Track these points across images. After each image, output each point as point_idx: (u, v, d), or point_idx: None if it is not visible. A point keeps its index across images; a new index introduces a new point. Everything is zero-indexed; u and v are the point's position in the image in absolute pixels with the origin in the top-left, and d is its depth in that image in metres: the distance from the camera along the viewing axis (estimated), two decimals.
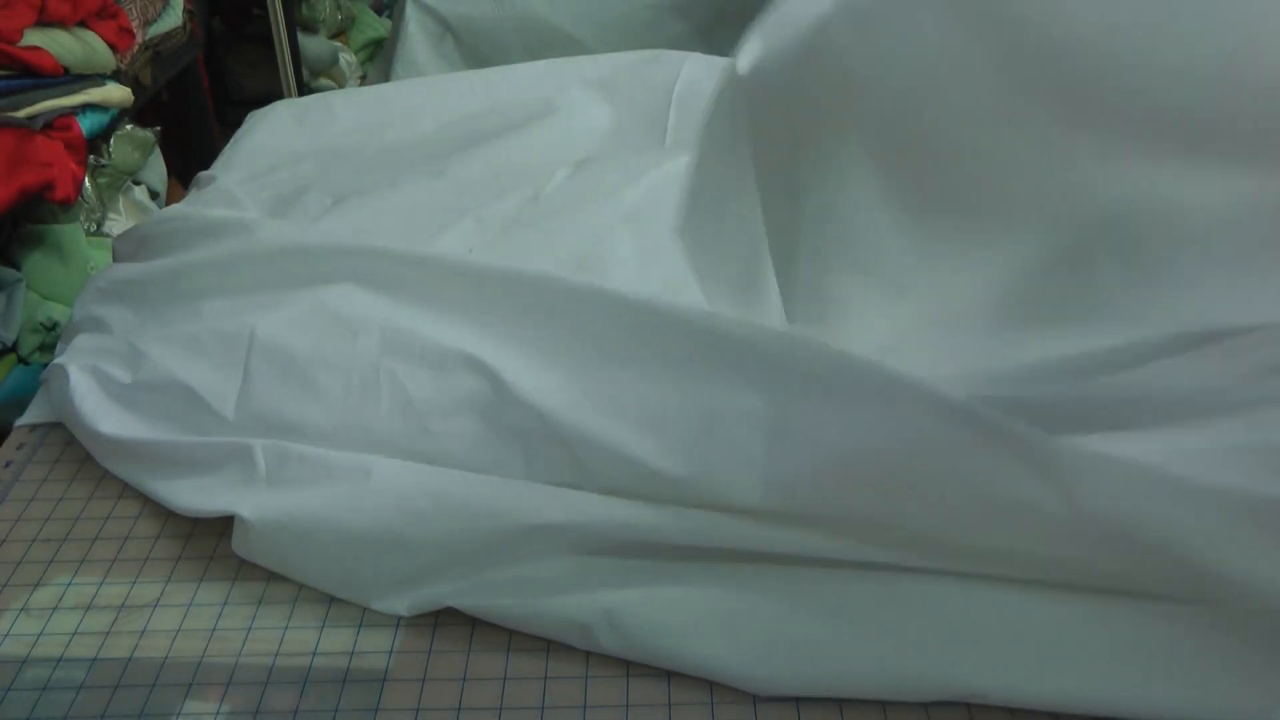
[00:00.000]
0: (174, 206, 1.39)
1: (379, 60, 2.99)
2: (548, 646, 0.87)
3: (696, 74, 1.70)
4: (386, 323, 1.04)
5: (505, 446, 0.93)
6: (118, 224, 1.91)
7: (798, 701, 0.81)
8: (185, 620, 0.91)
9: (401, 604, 0.89)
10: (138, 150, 2.01)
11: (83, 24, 1.80)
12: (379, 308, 1.06)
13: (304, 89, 2.67)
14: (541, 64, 1.84)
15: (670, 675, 0.84)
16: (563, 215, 1.24)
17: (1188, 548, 0.69)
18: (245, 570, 0.96)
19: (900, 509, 0.78)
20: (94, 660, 0.88)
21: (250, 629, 0.90)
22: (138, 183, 2.05)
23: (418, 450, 0.95)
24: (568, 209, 1.26)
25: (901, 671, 0.80)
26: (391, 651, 0.87)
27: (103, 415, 1.08)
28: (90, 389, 1.11)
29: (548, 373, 0.94)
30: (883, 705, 0.81)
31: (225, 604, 0.93)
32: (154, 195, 2.09)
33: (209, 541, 0.99)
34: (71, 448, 1.12)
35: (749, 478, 0.82)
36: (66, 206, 1.74)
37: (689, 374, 0.87)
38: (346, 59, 2.99)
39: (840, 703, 0.81)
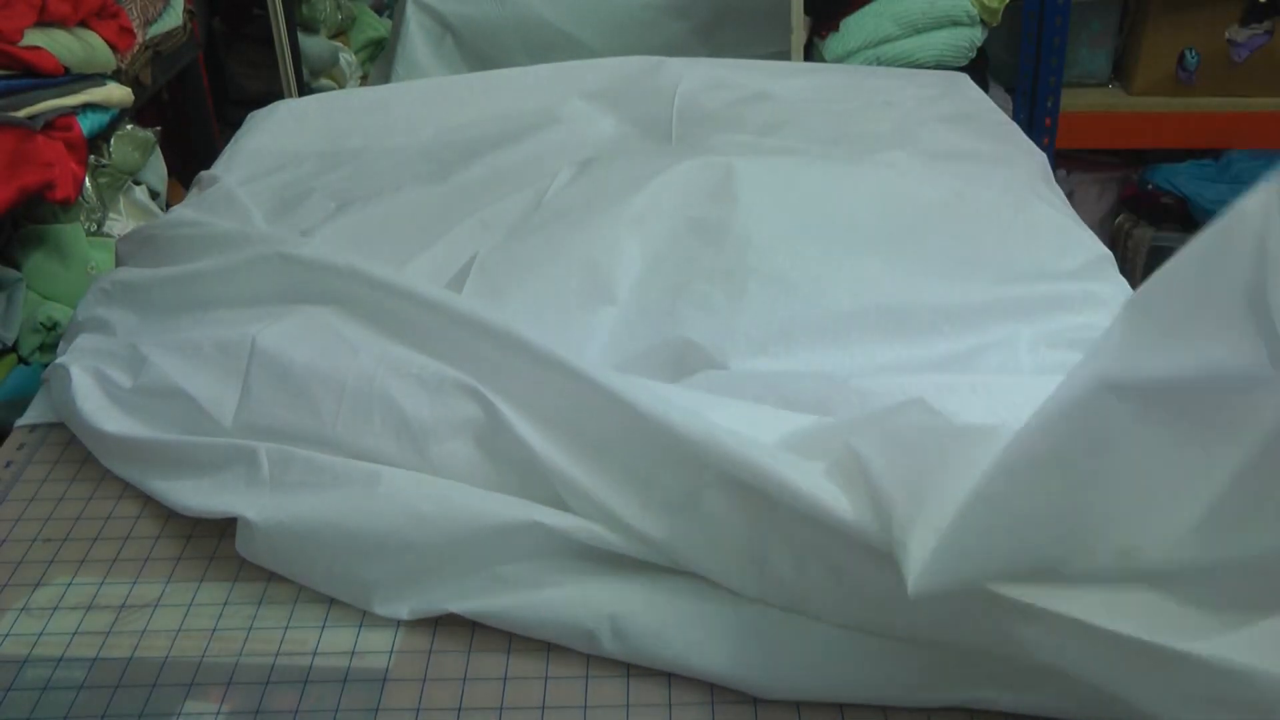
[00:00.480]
0: (180, 210, 1.38)
1: (379, 60, 2.99)
2: (548, 647, 0.87)
3: (697, 83, 1.70)
4: (386, 342, 1.03)
5: (501, 474, 0.93)
6: (118, 224, 1.91)
7: (798, 703, 0.81)
8: (186, 620, 0.91)
9: (403, 608, 0.89)
10: (138, 150, 2.01)
11: (83, 24, 1.81)
12: (378, 329, 1.05)
13: (304, 89, 2.66)
14: (543, 69, 1.84)
15: (671, 675, 0.84)
16: (569, 219, 1.24)
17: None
18: (246, 570, 0.96)
19: (875, 619, 0.81)
20: (94, 660, 0.88)
21: (251, 629, 0.90)
22: (138, 183, 2.05)
23: (413, 468, 0.95)
24: (574, 213, 1.26)
25: (904, 678, 0.80)
26: (392, 651, 0.87)
27: (105, 415, 1.08)
28: (92, 390, 1.11)
29: (537, 414, 0.93)
30: (883, 709, 0.81)
31: (226, 604, 0.93)
32: (154, 195, 2.09)
33: (209, 541, 0.99)
34: (71, 448, 1.12)
35: (732, 553, 0.84)
36: (67, 206, 1.74)
37: (668, 456, 0.86)
38: (347, 59, 2.99)
39: (841, 705, 0.81)
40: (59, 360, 1.17)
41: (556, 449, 0.91)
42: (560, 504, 0.90)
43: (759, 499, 0.81)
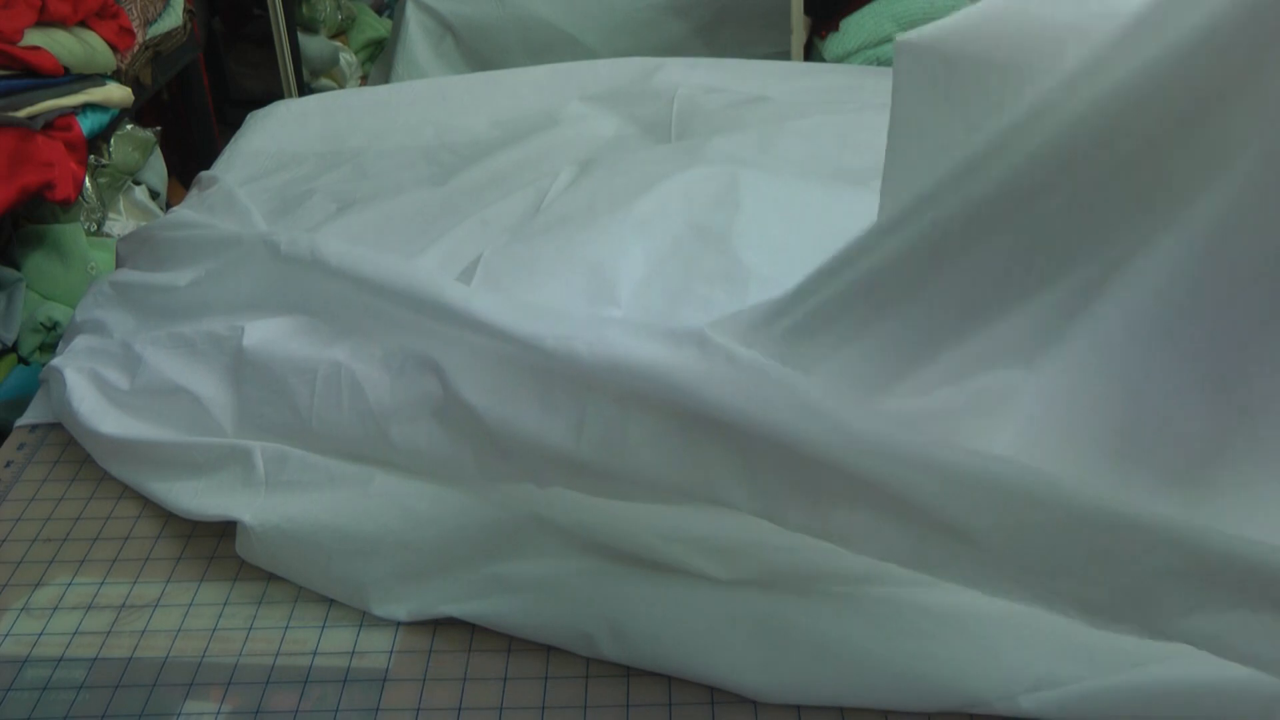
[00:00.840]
0: (180, 211, 1.38)
1: (379, 60, 3.00)
2: (548, 646, 0.87)
3: (696, 85, 1.70)
4: (356, 330, 1.04)
5: (455, 446, 0.92)
6: (118, 224, 1.91)
7: (799, 704, 0.81)
8: (186, 620, 0.91)
9: (401, 609, 0.89)
10: (138, 150, 2.01)
11: (83, 24, 1.81)
12: (350, 317, 1.05)
13: (304, 89, 2.67)
14: (542, 70, 1.84)
15: (671, 676, 0.84)
16: (574, 222, 1.25)
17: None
18: (245, 570, 0.96)
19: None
20: (94, 660, 0.88)
21: (251, 629, 0.90)
22: (138, 183, 2.05)
23: (380, 456, 0.95)
24: (579, 216, 1.26)
25: (903, 681, 0.80)
26: (391, 651, 0.87)
27: (101, 416, 1.08)
28: (88, 391, 1.11)
29: (481, 377, 0.93)
30: (884, 710, 0.81)
31: (226, 604, 0.93)
32: (154, 195, 2.09)
33: (209, 542, 0.99)
34: (71, 448, 1.12)
35: (666, 460, 0.80)
36: (67, 206, 1.74)
37: (608, 409, 0.84)
38: (346, 59, 2.99)
39: (841, 706, 0.81)
40: (53, 362, 1.17)
41: (495, 403, 0.89)
42: (504, 471, 0.89)
43: (683, 413, 0.79)
